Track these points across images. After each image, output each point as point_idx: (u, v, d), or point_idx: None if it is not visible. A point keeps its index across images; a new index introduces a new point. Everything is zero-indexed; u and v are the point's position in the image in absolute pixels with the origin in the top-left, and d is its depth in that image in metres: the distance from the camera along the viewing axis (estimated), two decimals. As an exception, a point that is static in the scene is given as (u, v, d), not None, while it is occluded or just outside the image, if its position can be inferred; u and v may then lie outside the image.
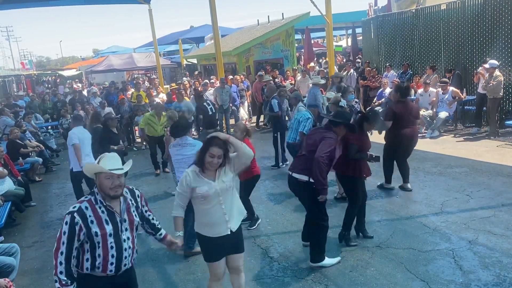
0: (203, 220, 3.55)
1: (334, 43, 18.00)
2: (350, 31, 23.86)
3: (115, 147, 7.45)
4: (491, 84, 9.15)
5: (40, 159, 10.13)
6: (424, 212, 5.87)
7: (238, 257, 3.70)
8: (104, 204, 2.83)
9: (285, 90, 10.16)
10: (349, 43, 24.47)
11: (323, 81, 10.80)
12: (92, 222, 2.76)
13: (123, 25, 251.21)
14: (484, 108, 9.86)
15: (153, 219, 3.28)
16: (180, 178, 3.55)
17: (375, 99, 12.28)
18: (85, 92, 19.39)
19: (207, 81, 14.60)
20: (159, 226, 3.33)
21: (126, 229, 2.92)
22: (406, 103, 6.66)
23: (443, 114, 10.06)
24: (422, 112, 10.45)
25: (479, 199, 6.13)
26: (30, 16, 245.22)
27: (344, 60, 19.40)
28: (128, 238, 2.94)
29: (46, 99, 16.96)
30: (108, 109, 12.55)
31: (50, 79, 34.01)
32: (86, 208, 2.78)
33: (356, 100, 8.02)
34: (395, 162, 6.89)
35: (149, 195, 7.83)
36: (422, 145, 9.34)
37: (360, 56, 18.30)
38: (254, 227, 5.97)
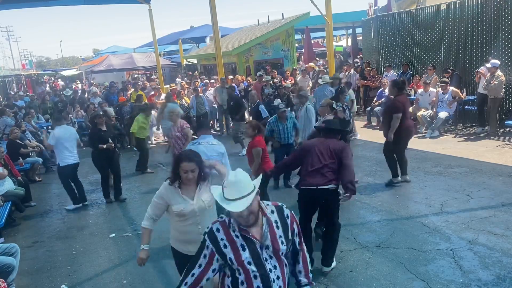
0: (178, 237, 3.43)
1: (334, 43, 17.99)
2: (350, 31, 23.84)
3: (104, 146, 7.41)
4: (492, 83, 9.13)
5: (40, 159, 10.12)
6: (424, 212, 5.87)
7: None
8: (239, 228, 2.39)
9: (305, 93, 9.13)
10: (349, 43, 24.45)
11: (331, 80, 10.79)
12: (225, 246, 2.36)
13: (123, 25, 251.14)
14: (485, 108, 9.85)
15: (298, 260, 2.57)
16: (158, 190, 3.39)
17: (375, 99, 12.28)
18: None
19: (207, 81, 14.61)
20: (301, 277, 2.60)
21: (270, 257, 2.41)
22: (405, 96, 6.94)
23: (443, 114, 10.05)
24: (422, 112, 10.46)
25: (479, 199, 6.13)
26: (30, 16, 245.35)
27: (341, 59, 19.32)
28: (275, 267, 2.41)
29: (46, 99, 16.94)
30: (108, 109, 12.56)
31: (52, 78, 33.90)
32: (218, 230, 2.39)
33: (346, 104, 7.94)
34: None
35: (148, 196, 7.83)
36: (422, 145, 9.34)
37: (360, 55, 18.29)
38: None
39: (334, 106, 6.86)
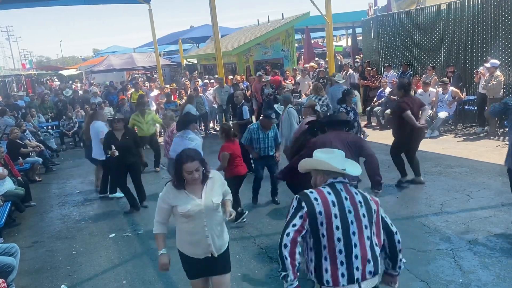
0: (184, 238, 3.30)
1: (334, 43, 17.98)
2: (350, 31, 23.82)
3: (109, 152, 6.85)
4: (491, 83, 9.14)
5: (40, 159, 10.12)
6: (424, 212, 5.87)
7: (222, 279, 3.39)
8: None
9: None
10: (349, 43, 24.44)
11: (344, 80, 10.78)
12: None
13: (123, 25, 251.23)
14: (485, 108, 9.85)
15: None
16: (161, 194, 3.33)
17: (375, 99, 12.28)
18: (82, 92, 19.32)
19: (207, 81, 14.60)
20: None
21: None
22: (412, 97, 6.95)
23: (443, 114, 10.05)
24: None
25: (479, 199, 6.13)
26: (30, 16, 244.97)
27: (341, 63, 19.27)
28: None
29: (45, 99, 16.93)
30: (108, 109, 12.56)
31: (49, 78, 33.80)
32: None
33: (354, 106, 7.87)
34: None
35: (148, 197, 7.82)
36: (422, 145, 9.27)
37: (360, 55, 18.27)
38: (238, 221, 5.93)
39: (317, 108, 6.76)
